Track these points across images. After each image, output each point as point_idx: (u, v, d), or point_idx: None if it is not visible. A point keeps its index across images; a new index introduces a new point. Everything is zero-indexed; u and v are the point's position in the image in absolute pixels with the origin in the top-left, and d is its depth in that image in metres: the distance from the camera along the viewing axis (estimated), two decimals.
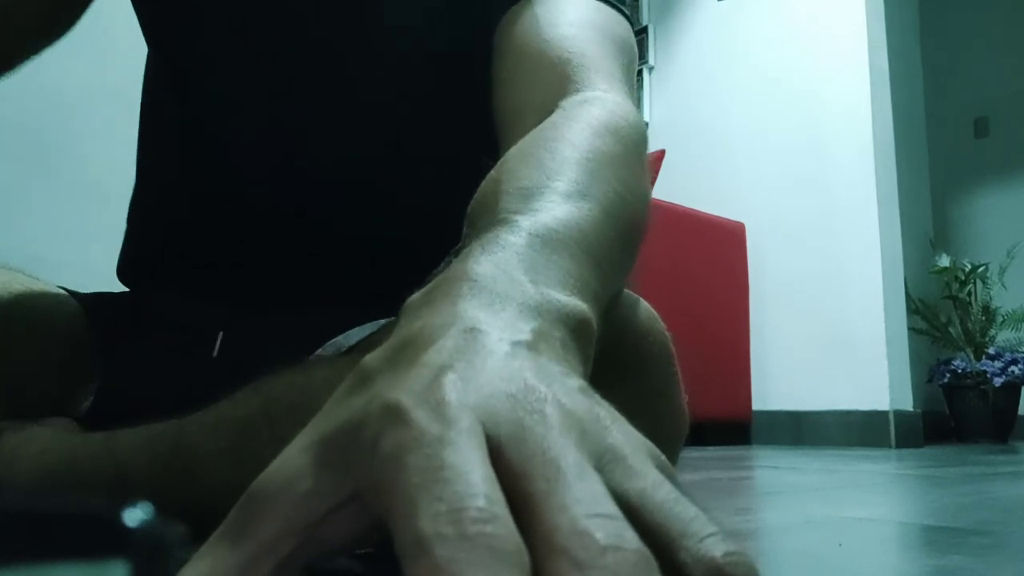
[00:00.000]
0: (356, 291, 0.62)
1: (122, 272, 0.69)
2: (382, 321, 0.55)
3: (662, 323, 0.45)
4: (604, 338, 0.29)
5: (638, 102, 3.37)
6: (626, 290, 0.42)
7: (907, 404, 2.57)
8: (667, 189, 2.87)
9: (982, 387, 3.09)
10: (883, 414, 2.49)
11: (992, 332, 3.28)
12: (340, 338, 0.55)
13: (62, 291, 0.62)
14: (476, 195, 0.37)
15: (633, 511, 0.19)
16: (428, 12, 0.61)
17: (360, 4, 0.61)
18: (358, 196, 0.64)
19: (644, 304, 0.44)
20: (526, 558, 0.16)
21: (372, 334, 0.54)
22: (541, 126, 0.43)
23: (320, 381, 0.48)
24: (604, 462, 0.20)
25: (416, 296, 0.27)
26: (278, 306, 0.62)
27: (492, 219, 0.32)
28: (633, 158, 0.42)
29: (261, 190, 0.63)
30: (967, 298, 3.30)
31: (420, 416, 0.19)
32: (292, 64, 0.62)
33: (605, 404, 0.23)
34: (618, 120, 0.44)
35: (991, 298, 3.31)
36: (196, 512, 0.45)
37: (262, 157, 0.63)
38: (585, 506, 0.17)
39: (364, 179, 0.64)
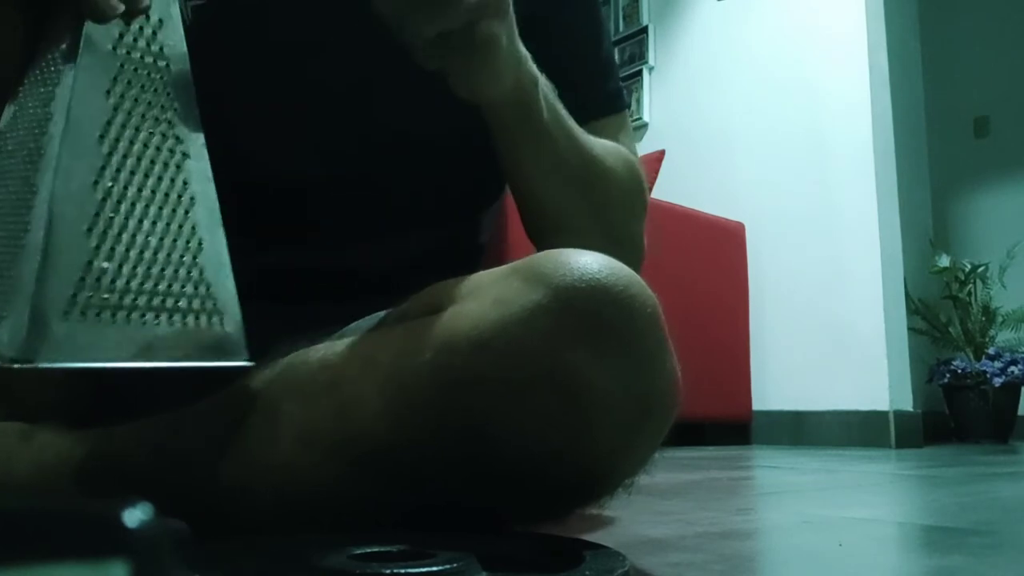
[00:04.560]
0: (356, 285, 0.63)
1: None
2: (381, 313, 0.55)
3: (651, 291, 0.46)
4: (590, 304, 0.43)
5: (637, 103, 3.37)
6: (619, 262, 0.46)
7: (907, 404, 2.56)
8: (667, 189, 2.87)
9: (982, 387, 3.09)
10: (883, 414, 2.49)
11: (992, 332, 3.28)
12: (341, 332, 0.55)
13: None
14: None
15: None
16: None
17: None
18: (364, 186, 0.65)
19: (632, 273, 0.46)
20: None
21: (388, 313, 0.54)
22: None
23: (315, 363, 0.48)
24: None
25: None
26: (279, 301, 0.62)
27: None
28: (623, 173, 0.66)
29: (267, 182, 0.63)
30: (967, 298, 3.30)
31: None
32: (302, 56, 0.63)
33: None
34: (625, 157, 0.68)
35: (991, 298, 3.31)
36: (194, 504, 0.46)
37: (269, 146, 0.63)
38: None
39: (371, 170, 0.65)
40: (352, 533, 0.40)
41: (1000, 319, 3.29)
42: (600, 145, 0.65)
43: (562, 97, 0.68)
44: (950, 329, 3.32)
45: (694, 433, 2.67)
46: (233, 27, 0.63)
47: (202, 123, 0.45)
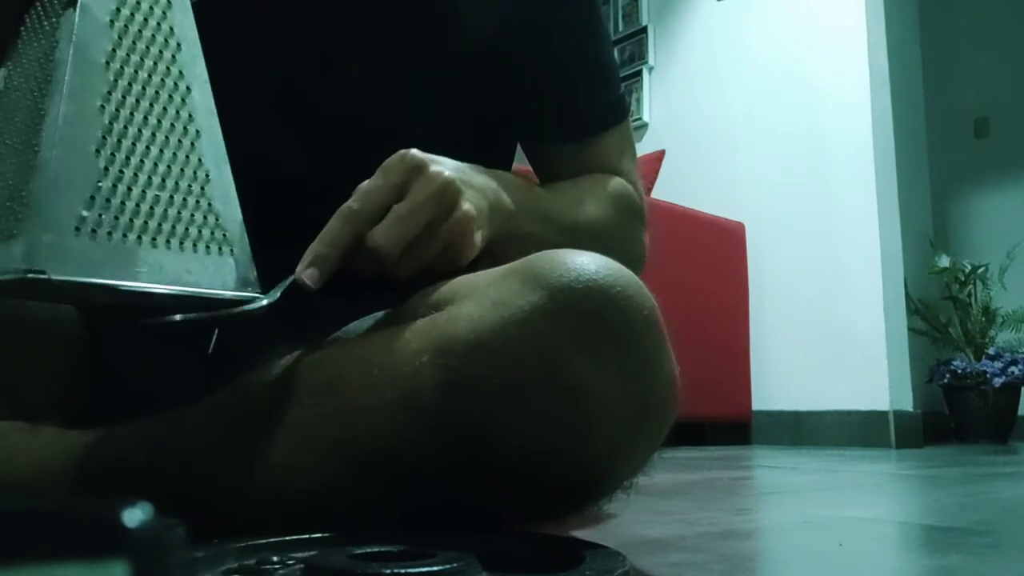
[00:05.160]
0: (356, 285, 0.63)
1: None
2: (380, 314, 0.55)
3: (649, 292, 0.46)
4: (588, 305, 0.44)
5: (637, 103, 3.37)
6: (616, 263, 0.46)
7: (907, 404, 2.56)
8: (667, 189, 2.87)
9: (982, 387, 3.09)
10: (883, 414, 2.49)
11: (992, 333, 3.28)
12: (339, 333, 0.55)
13: None
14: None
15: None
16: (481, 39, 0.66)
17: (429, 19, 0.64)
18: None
19: (630, 274, 0.46)
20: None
21: (383, 316, 0.54)
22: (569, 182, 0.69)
23: (314, 364, 0.48)
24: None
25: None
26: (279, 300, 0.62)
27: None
28: (613, 207, 0.68)
29: (266, 181, 0.63)
30: (967, 299, 3.30)
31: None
32: (302, 56, 0.63)
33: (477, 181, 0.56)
34: (620, 189, 0.70)
35: (991, 299, 3.31)
36: (194, 504, 0.46)
37: (267, 145, 0.63)
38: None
39: (370, 171, 0.65)
40: (352, 533, 0.40)
41: (1000, 319, 3.29)
42: (586, 196, 0.67)
43: (564, 110, 0.68)
44: (950, 329, 3.32)
45: (694, 433, 2.67)
46: (230, 27, 0.62)
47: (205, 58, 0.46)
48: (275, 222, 0.64)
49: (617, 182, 0.71)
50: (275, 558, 0.38)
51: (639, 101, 3.42)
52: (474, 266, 0.61)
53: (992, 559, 0.56)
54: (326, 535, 0.40)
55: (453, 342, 0.44)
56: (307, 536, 0.40)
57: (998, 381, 3.07)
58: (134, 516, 0.17)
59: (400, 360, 0.45)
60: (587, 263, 0.44)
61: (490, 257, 0.59)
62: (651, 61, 3.43)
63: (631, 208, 0.71)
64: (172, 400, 0.50)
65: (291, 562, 0.37)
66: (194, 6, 0.55)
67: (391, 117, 0.64)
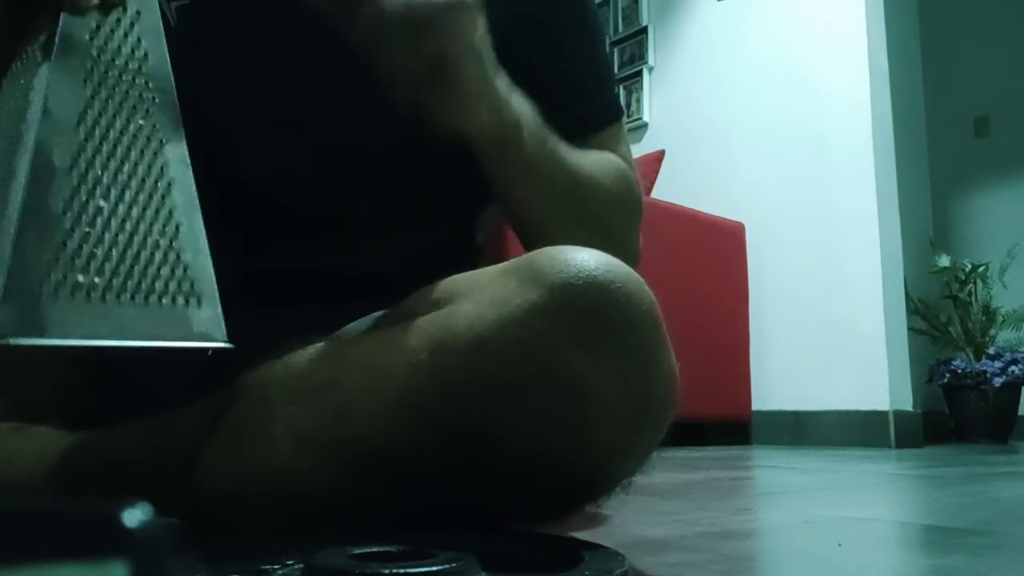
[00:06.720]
0: (354, 285, 0.63)
1: None
2: (378, 313, 0.55)
3: (648, 288, 0.46)
4: (587, 302, 0.43)
5: (637, 103, 3.37)
6: (616, 259, 0.46)
7: (907, 404, 2.56)
8: (667, 189, 2.87)
9: (982, 387, 3.08)
10: (883, 414, 2.49)
11: (992, 332, 3.28)
12: (339, 332, 0.55)
13: None
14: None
15: None
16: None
17: None
18: (361, 188, 0.65)
19: (630, 271, 0.46)
20: None
21: (382, 316, 0.54)
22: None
23: (313, 363, 0.48)
24: None
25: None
26: (277, 302, 0.62)
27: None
28: (613, 183, 0.66)
29: (260, 181, 0.63)
30: (967, 298, 3.30)
31: None
32: (297, 57, 0.63)
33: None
34: (618, 168, 0.68)
35: (991, 298, 3.31)
36: (194, 504, 0.46)
37: (265, 148, 0.63)
38: None
39: (368, 172, 0.64)
40: (352, 533, 0.40)
41: (1000, 319, 3.29)
42: (592, 161, 0.65)
43: (562, 113, 0.68)
44: (950, 329, 3.32)
45: (694, 433, 2.67)
46: (226, 28, 0.62)
47: (181, 111, 0.45)
48: (273, 226, 0.64)
49: (617, 161, 0.69)
50: (275, 558, 0.38)
51: (639, 101, 3.42)
52: (474, 265, 0.61)
53: (992, 559, 0.56)
54: (326, 535, 0.41)
55: (452, 340, 0.44)
56: (307, 536, 0.40)
57: (998, 381, 3.07)
58: (134, 516, 0.17)
59: (399, 359, 0.45)
60: (586, 259, 0.44)
61: (490, 158, 0.58)
62: (651, 61, 3.43)
63: (628, 190, 0.69)
64: (172, 400, 0.50)
65: (291, 562, 0.37)
66: (189, 10, 0.55)
67: (388, 121, 0.64)
